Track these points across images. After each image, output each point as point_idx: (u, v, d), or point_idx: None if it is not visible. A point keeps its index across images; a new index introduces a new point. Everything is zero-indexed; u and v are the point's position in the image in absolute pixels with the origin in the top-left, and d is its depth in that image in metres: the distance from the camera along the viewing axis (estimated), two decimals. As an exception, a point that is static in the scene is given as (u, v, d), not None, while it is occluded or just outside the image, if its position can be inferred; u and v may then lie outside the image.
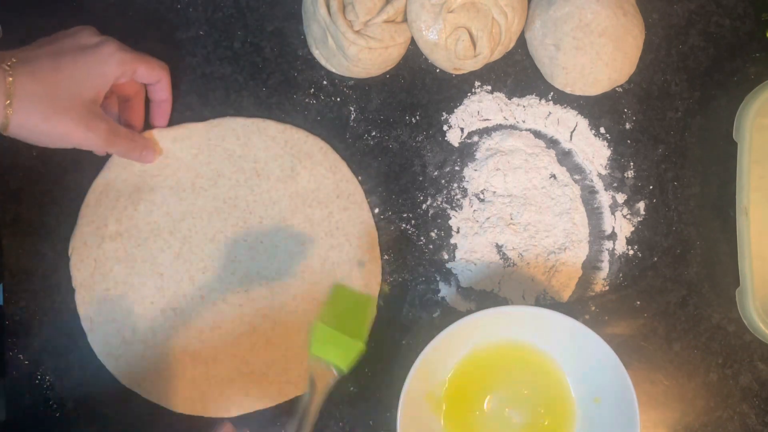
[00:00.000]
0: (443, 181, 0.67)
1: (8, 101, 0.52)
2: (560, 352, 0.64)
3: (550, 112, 0.68)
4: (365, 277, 0.65)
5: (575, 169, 0.68)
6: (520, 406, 0.64)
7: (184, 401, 0.63)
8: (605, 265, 0.68)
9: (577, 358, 0.63)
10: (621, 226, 0.68)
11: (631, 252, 0.68)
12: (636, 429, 0.58)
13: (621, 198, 0.68)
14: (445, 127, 0.68)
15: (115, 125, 0.59)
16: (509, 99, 0.68)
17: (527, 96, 0.68)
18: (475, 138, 0.68)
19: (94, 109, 0.57)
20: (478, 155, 0.68)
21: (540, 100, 0.68)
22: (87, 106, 0.56)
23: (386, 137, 0.67)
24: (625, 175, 0.69)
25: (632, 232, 0.68)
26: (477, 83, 0.68)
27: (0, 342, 0.64)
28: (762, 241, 0.64)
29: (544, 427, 0.64)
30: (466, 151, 0.68)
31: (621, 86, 0.69)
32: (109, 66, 0.57)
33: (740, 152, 0.64)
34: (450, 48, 0.64)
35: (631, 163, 0.69)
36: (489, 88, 0.68)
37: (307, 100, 0.67)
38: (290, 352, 0.64)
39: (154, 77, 0.62)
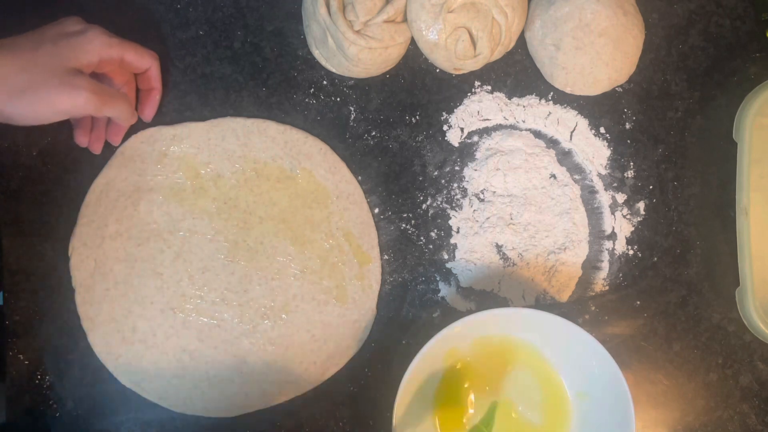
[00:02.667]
0: (443, 181, 0.67)
1: None
2: (556, 352, 0.64)
3: (550, 112, 0.68)
4: (365, 277, 0.65)
5: (575, 169, 0.68)
6: (517, 405, 0.64)
7: (183, 401, 0.63)
8: (605, 265, 0.68)
9: (573, 359, 0.63)
10: (621, 226, 0.68)
11: (631, 252, 0.68)
12: (631, 427, 0.58)
13: (621, 198, 0.68)
14: (445, 127, 0.68)
15: (104, 85, 0.58)
16: (509, 99, 0.68)
17: (527, 96, 0.68)
18: (475, 138, 0.68)
19: (76, 73, 0.56)
20: (478, 155, 0.68)
21: (540, 100, 0.68)
22: (68, 72, 0.55)
23: (386, 137, 0.67)
24: (625, 175, 0.69)
25: (632, 232, 0.68)
26: (477, 83, 0.68)
27: (0, 342, 0.64)
28: (762, 241, 0.64)
29: (540, 427, 0.64)
30: (466, 151, 0.68)
31: (621, 86, 0.69)
32: (92, 46, 0.57)
33: (740, 152, 0.64)
34: (450, 48, 0.64)
35: (631, 163, 0.69)
36: (489, 88, 0.68)
37: (307, 100, 0.67)
38: (290, 351, 0.64)
39: (143, 64, 0.62)
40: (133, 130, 0.65)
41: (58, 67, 0.55)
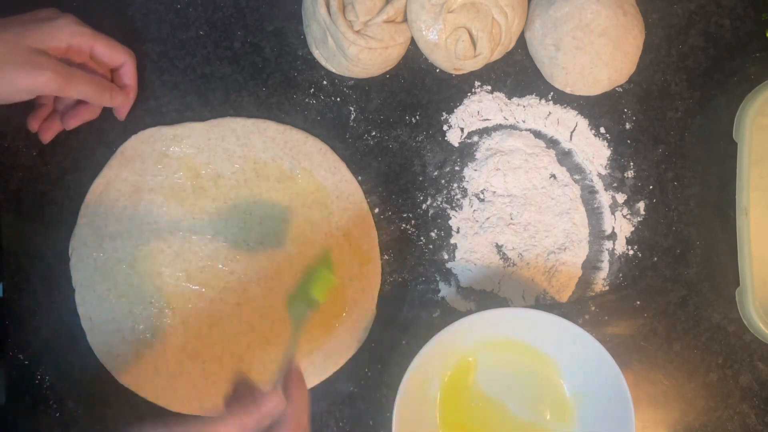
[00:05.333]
0: (443, 181, 0.67)
1: None
2: (556, 352, 0.64)
3: (550, 112, 0.68)
4: (365, 277, 0.65)
5: (575, 169, 0.68)
6: (517, 406, 0.64)
7: (181, 400, 0.63)
8: (605, 265, 0.68)
9: (573, 359, 0.63)
10: (621, 226, 0.68)
11: (631, 252, 0.68)
12: (631, 427, 0.58)
13: (621, 198, 0.68)
14: (445, 127, 0.68)
15: (70, 66, 0.57)
16: (509, 99, 0.68)
17: (527, 96, 0.68)
18: (475, 138, 0.68)
19: (40, 53, 0.55)
20: (478, 155, 0.68)
21: (540, 100, 0.68)
22: (32, 51, 0.55)
23: (386, 137, 0.67)
24: (625, 175, 0.69)
25: (632, 232, 0.68)
26: (477, 83, 0.68)
27: (0, 341, 0.64)
28: (762, 241, 0.64)
29: (540, 427, 0.64)
30: (466, 151, 0.68)
31: (621, 86, 0.69)
32: (61, 32, 0.57)
33: (740, 152, 0.64)
34: (450, 48, 0.64)
35: (631, 163, 0.69)
36: (489, 88, 0.68)
37: (307, 100, 0.67)
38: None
39: (115, 59, 0.61)
40: (133, 130, 0.65)
41: (22, 47, 0.54)
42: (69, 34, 0.57)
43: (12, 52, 0.54)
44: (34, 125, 0.63)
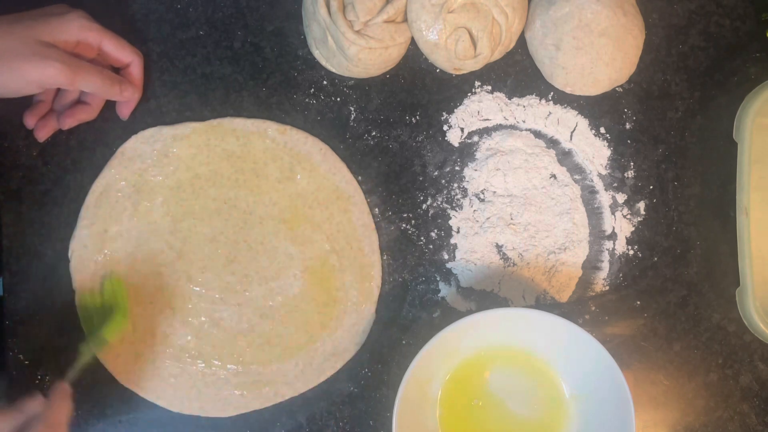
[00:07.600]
0: (443, 181, 0.67)
1: None
2: (556, 352, 0.64)
3: (550, 112, 0.68)
4: (365, 278, 0.65)
5: (575, 169, 0.68)
6: (517, 406, 0.64)
7: (181, 401, 0.63)
8: (605, 265, 0.68)
9: (573, 359, 0.63)
10: (621, 226, 0.68)
11: (631, 252, 0.68)
12: (631, 427, 0.58)
13: (621, 198, 0.68)
14: (445, 127, 0.68)
15: (78, 59, 0.58)
16: (509, 99, 0.68)
17: (527, 96, 0.68)
18: (475, 138, 0.68)
19: (49, 45, 0.56)
20: (478, 155, 0.68)
21: (540, 100, 0.68)
22: (42, 43, 0.55)
23: (386, 137, 0.67)
24: (625, 175, 0.69)
25: (632, 232, 0.68)
26: (477, 83, 0.68)
27: (0, 341, 0.64)
28: (762, 241, 0.64)
29: (540, 427, 0.64)
30: (466, 151, 0.68)
31: (621, 86, 0.69)
32: (70, 25, 0.57)
33: (740, 152, 0.64)
34: (450, 48, 0.64)
35: (631, 163, 0.69)
36: (489, 88, 0.68)
37: (307, 100, 0.67)
38: (288, 352, 0.64)
39: (123, 56, 0.61)
40: (133, 130, 0.65)
41: (31, 39, 0.55)
42: (78, 29, 0.57)
43: (22, 44, 0.54)
44: (30, 122, 0.62)
